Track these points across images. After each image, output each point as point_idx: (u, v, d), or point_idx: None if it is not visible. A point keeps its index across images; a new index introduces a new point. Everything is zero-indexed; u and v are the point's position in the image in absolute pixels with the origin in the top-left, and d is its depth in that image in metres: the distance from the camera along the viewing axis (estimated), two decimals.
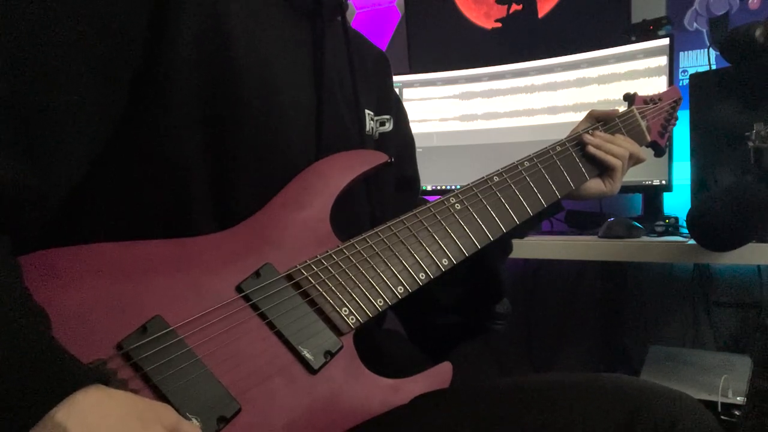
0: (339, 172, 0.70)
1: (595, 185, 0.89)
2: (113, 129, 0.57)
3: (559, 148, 0.85)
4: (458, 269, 0.73)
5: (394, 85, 0.93)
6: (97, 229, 0.58)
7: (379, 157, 0.74)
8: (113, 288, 0.53)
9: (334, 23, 0.77)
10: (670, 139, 1.01)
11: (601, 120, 0.93)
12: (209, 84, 0.60)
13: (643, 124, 0.96)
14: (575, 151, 0.87)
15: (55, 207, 0.54)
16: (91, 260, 0.54)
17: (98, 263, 0.54)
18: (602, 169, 0.89)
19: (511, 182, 0.78)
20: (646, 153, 0.97)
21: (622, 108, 0.98)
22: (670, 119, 1.02)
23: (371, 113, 0.81)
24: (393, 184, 0.85)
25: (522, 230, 0.83)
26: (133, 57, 0.56)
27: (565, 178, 0.84)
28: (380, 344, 0.71)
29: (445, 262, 0.69)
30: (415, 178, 0.93)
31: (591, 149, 0.87)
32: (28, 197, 0.50)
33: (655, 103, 1.00)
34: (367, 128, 0.79)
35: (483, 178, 0.77)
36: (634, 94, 1.00)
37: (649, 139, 0.97)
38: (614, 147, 0.88)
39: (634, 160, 0.92)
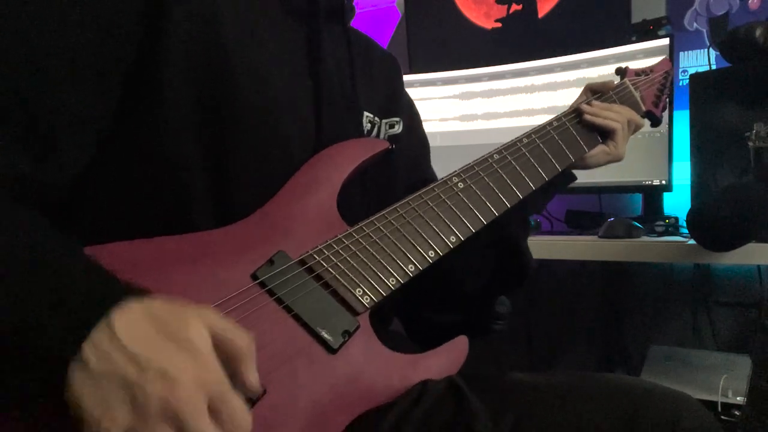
0: (344, 159, 0.71)
1: (599, 152, 0.90)
2: (109, 122, 0.58)
3: (555, 123, 0.87)
4: (483, 250, 0.75)
5: None
6: (98, 230, 0.58)
7: (380, 144, 0.75)
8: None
9: (335, 24, 0.77)
10: (667, 103, 1.05)
11: (597, 92, 0.96)
12: (205, 83, 0.60)
13: (637, 94, 0.98)
14: (572, 125, 0.89)
15: (54, 201, 0.55)
16: (106, 261, 0.54)
17: (112, 263, 0.54)
18: (603, 136, 0.90)
19: (511, 158, 0.79)
20: (644, 150, 0.98)
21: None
22: (663, 89, 1.04)
23: (370, 116, 0.80)
24: (403, 184, 0.84)
25: (535, 205, 0.85)
26: (126, 51, 0.57)
27: (563, 151, 0.85)
28: (384, 344, 0.71)
29: (452, 239, 0.70)
30: (432, 181, 0.92)
31: (588, 117, 0.89)
32: (28, 191, 0.51)
33: (647, 75, 1.03)
34: (365, 130, 0.79)
35: (483, 156, 0.78)
36: (626, 68, 1.03)
37: (644, 108, 0.99)
38: (611, 113, 0.90)
39: (633, 126, 0.93)
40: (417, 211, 0.70)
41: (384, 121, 0.82)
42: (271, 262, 0.60)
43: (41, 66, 0.52)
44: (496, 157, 0.79)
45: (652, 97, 1.02)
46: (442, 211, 0.72)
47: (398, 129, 0.84)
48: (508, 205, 0.76)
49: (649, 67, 1.05)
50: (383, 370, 0.62)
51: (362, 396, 0.59)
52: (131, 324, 0.44)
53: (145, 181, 0.60)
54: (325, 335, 0.59)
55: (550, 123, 0.87)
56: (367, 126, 0.79)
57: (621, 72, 1.03)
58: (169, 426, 0.43)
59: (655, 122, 1.04)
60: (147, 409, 0.42)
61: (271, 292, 0.58)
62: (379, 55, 0.88)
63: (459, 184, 0.75)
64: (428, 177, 0.92)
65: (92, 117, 0.56)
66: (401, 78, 0.92)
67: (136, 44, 0.57)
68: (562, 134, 0.87)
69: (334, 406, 0.57)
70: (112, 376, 0.43)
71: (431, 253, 0.68)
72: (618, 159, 0.92)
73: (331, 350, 0.59)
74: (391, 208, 0.70)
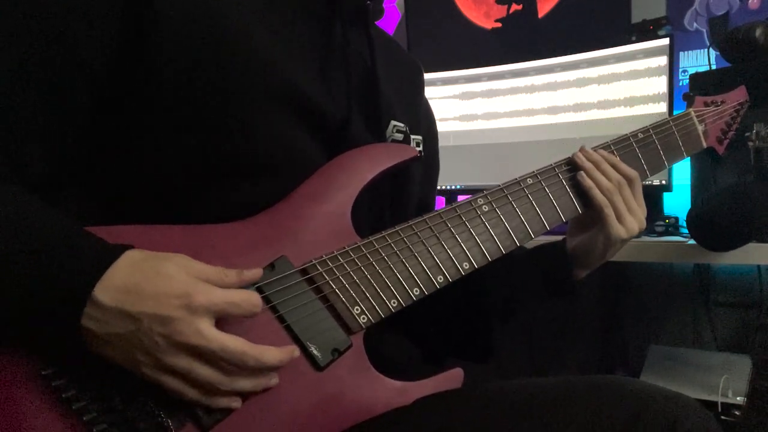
0: (364, 166, 0.67)
1: (586, 239, 0.76)
2: (80, 125, 0.58)
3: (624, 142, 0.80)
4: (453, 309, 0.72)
5: None
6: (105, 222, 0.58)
7: (407, 152, 0.71)
8: None
9: (357, 26, 0.73)
10: (733, 139, 0.92)
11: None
12: (208, 85, 0.60)
13: (700, 128, 0.88)
14: (647, 143, 0.80)
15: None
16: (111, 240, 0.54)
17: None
18: (586, 204, 0.75)
19: (545, 185, 0.74)
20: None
21: (621, 108, 0.95)
22: (733, 124, 0.93)
23: (400, 125, 0.76)
24: (415, 200, 0.81)
25: (527, 300, 0.79)
26: (95, 62, 0.57)
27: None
28: (386, 347, 0.71)
29: (466, 266, 0.67)
30: (432, 206, 0.88)
31: (581, 177, 0.74)
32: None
33: (717, 106, 0.92)
34: (388, 139, 0.75)
35: (516, 179, 0.73)
36: (694, 95, 0.92)
37: (705, 145, 0.89)
38: (602, 178, 0.74)
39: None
40: (433, 231, 0.67)
41: (412, 137, 0.78)
42: (272, 266, 0.59)
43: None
44: (529, 181, 0.73)
45: (718, 132, 0.91)
46: (459, 234, 0.68)
47: (421, 147, 0.80)
48: (533, 236, 0.71)
49: (720, 96, 0.93)
50: (369, 394, 0.60)
51: (343, 417, 0.58)
52: (115, 285, 0.49)
53: (149, 182, 0.60)
54: (314, 351, 0.58)
55: (606, 145, 0.77)
56: (398, 136, 0.75)
57: (688, 99, 0.92)
58: (184, 353, 0.49)
59: (715, 160, 0.93)
60: (158, 348, 0.49)
61: (267, 299, 0.58)
62: (409, 64, 0.85)
63: (484, 206, 0.70)
64: (432, 203, 0.88)
65: (55, 121, 0.56)
66: (423, 86, 0.87)
67: (109, 51, 0.57)
68: (626, 156, 0.77)
69: (312, 424, 0.57)
70: (116, 336, 0.49)
71: (440, 278, 0.65)
72: (616, 242, 0.73)
73: (318, 367, 0.58)
74: (406, 224, 0.66)
